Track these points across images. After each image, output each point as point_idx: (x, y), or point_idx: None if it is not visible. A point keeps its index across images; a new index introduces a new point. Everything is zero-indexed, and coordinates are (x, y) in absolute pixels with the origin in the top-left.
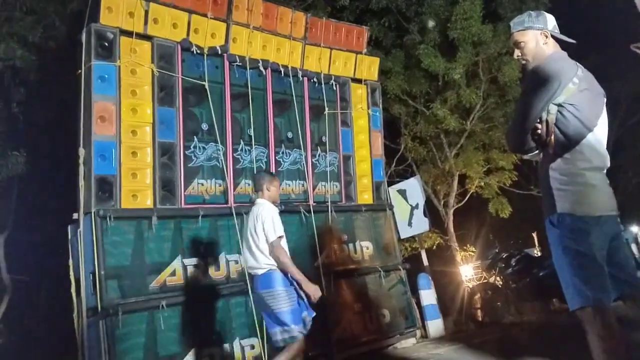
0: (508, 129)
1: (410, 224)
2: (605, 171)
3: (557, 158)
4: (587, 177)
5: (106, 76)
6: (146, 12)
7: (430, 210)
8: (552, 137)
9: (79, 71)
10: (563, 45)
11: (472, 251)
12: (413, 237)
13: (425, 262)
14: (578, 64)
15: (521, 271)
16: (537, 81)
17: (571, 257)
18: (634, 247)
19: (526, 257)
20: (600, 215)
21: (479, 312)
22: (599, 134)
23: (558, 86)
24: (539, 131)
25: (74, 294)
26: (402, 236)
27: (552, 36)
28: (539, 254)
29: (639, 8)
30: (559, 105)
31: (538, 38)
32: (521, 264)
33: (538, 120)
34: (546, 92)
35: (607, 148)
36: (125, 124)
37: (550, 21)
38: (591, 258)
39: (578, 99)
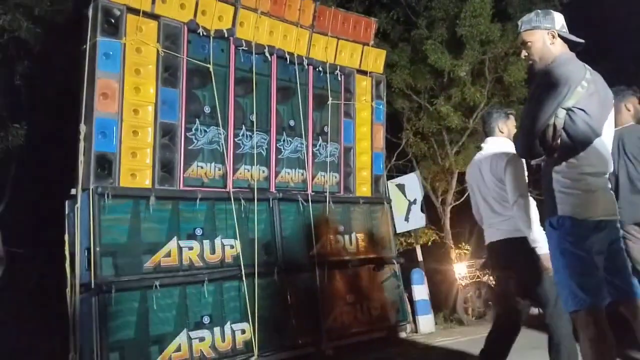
0: (516, 133)
1: (407, 218)
2: (607, 176)
3: (561, 161)
4: (590, 181)
5: (111, 53)
6: None
7: (428, 206)
8: (559, 141)
9: (84, 46)
10: (571, 46)
11: (467, 249)
12: (409, 232)
13: (420, 257)
14: (586, 65)
15: None
16: (546, 85)
17: (569, 259)
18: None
19: None
20: (600, 219)
21: (470, 310)
22: (605, 139)
23: (568, 90)
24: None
25: (68, 269)
26: (398, 230)
27: (560, 36)
28: None
29: None
30: (568, 109)
31: (545, 38)
32: None
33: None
34: (556, 96)
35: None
36: (127, 102)
37: (558, 20)
38: (588, 262)
39: (587, 103)
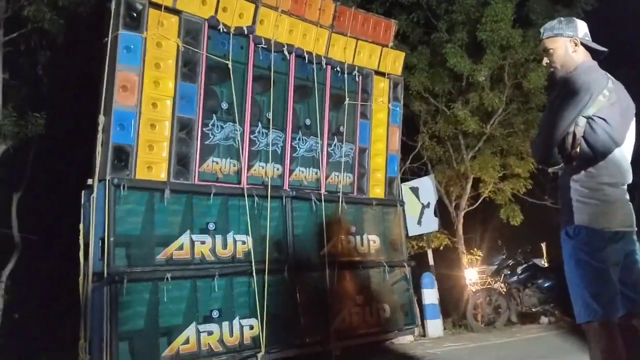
0: (535, 139)
1: (419, 222)
2: (626, 187)
3: (580, 170)
4: (608, 192)
5: (132, 47)
6: None
7: (441, 210)
8: (578, 149)
9: (106, 39)
10: (594, 54)
11: (479, 255)
12: (421, 235)
13: (431, 261)
14: (608, 74)
15: (526, 280)
16: (568, 92)
17: (584, 270)
18: None
19: (533, 266)
20: (617, 230)
21: (479, 317)
22: (625, 149)
23: (589, 98)
24: (566, 143)
25: (81, 258)
26: (411, 234)
27: (583, 44)
28: (546, 264)
29: None
30: (589, 117)
31: (567, 45)
32: (527, 272)
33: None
34: (577, 104)
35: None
36: (146, 96)
37: (582, 28)
38: (604, 273)
39: (609, 113)
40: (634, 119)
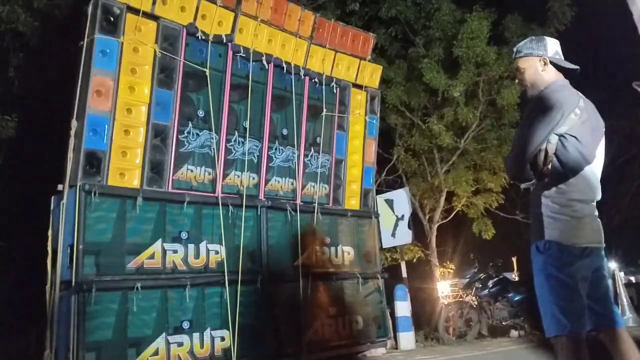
0: (508, 155)
1: (393, 234)
2: (595, 203)
3: (551, 187)
4: (578, 208)
5: (108, 51)
6: None
7: (415, 223)
8: (550, 166)
9: (81, 43)
10: (566, 72)
11: (451, 268)
12: (395, 247)
13: (404, 273)
14: (579, 93)
15: (497, 293)
16: (540, 110)
17: (553, 284)
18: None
19: (504, 280)
20: (586, 246)
21: (451, 329)
22: (595, 166)
23: (561, 116)
24: (538, 160)
25: (49, 266)
26: (385, 245)
27: (554, 63)
28: (517, 278)
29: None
30: (561, 135)
31: (537, 64)
32: (498, 286)
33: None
34: (549, 121)
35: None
36: (121, 101)
37: (552, 47)
38: (572, 288)
39: (580, 131)
40: (604, 137)
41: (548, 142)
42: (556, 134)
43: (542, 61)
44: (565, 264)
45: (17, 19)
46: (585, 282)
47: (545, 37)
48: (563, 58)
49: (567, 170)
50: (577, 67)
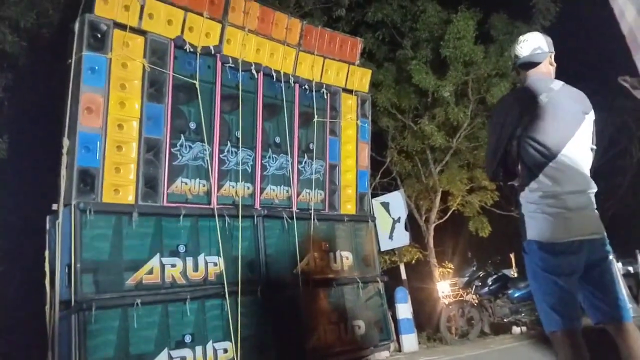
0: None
1: (391, 236)
2: (588, 192)
3: (524, 187)
4: (554, 203)
5: (96, 68)
6: (142, 7)
7: (412, 224)
8: (519, 167)
9: (70, 61)
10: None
11: (450, 268)
12: (393, 250)
13: (404, 275)
14: (552, 85)
15: (497, 291)
16: (494, 114)
17: (540, 282)
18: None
19: (503, 277)
20: (572, 240)
21: (453, 329)
22: (572, 158)
23: (515, 118)
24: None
25: (47, 286)
26: (383, 248)
27: (522, 64)
28: (516, 275)
29: (623, 31)
30: (518, 137)
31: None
32: (497, 283)
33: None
34: (503, 125)
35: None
36: (112, 117)
37: (512, 51)
38: (558, 285)
39: (536, 130)
40: (586, 122)
41: (511, 144)
42: (516, 136)
43: (516, 68)
44: (548, 261)
45: (4, 40)
46: (572, 276)
47: (518, 39)
48: (528, 50)
49: (532, 168)
50: (530, 56)
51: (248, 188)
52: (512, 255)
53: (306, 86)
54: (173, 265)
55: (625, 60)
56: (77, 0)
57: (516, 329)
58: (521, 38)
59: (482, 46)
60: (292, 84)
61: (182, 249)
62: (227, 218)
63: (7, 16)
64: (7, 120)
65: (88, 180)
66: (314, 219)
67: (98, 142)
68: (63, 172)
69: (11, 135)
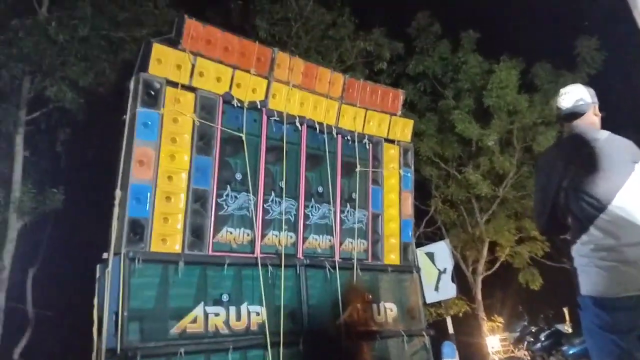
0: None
1: (437, 288)
2: (637, 245)
3: (576, 240)
4: (609, 256)
5: (149, 123)
6: (193, 66)
7: (458, 276)
8: (569, 220)
9: (124, 117)
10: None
11: (500, 322)
12: (439, 302)
13: (451, 329)
14: (597, 135)
15: (551, 347)
16: (537, 170)
17: (596, 341)
18: None
19: (556, 332)
20: (629, 295)
21: None
22: (623, 209)
23: (561, 170)
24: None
25: (95, 334)
26: (428, 301)
27: (564, 116)
28: (570, 330)
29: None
30: (565, 189)
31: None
32: (551, 339)
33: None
34: (543, 181)
35: None
36: (162, 169)
37: (560, 100)
38: (615, 343)
39: (583, 182)
40: (638, 174)
41: (559, 197)
42: (563, 188)
43: (559, 121)
44: (603, 319)
45: (64, 97)
46: (631, 333)
47: (559, 91)
48: (571, 102)
49: (581, 221)
50: (573, 108)
51: (291, 237)
52: (565, 310)
53: (348, 137)
54: (216, 315)
55: None
56: (133, 61)
57: None
58: (562, 90)
59: (527, 95)
60: (335, 135)
61: (225, 297)
62: (270, 267)
63: (67, 76)
64: (63, 173)
65: (138, 230)
66: (356, 269)
67: (148, 194)
68: (114, 222)
69: (67, 187)
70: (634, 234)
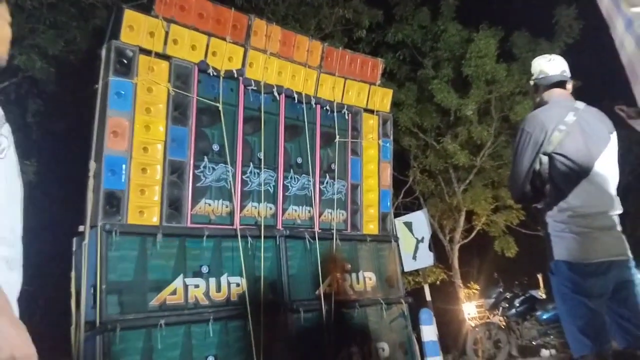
0: (508, 180)
1: (414, 257)
2: (612, 214)
3: (552, 206)
4: (583, 223)
5: (122, 92)
6: (166, 33)
7: (436, 244)
8: (548, 186)
9: (96, 86)
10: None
11: (476, 289)
12: (417, 270)
13: (428, 297)
14: (576, 105)
15: (525, 312)
16: (520, 135)
17: (569, 305)
18: None
19: (530, 298)
20: (602, 261)
21: (480, 352)
22: (600, 177)
23: (544, 137)
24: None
25: (73, 307)
26: (406, 269)
27: (552, 82)
28: (544, 296)
29: (623, 61)
30: (549, 154)
31: (531, 87)
32: (525, 305)
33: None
34: (532, 144)
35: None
36: (137, 140)
37: (535, 67)
38: (588, 307)
39: (568, 147)
40: (610, 144)
41: (540, 163)
42: (545, 154)
43: (533, 86)
44: (577, 283)
45: (34, 66)
46: (602, 298)
47: (536, 58)
48: (558, 70)
49: (562, 188)
50: (560, 74)
51: (270, 209)
52: (539, 276)
53: (327, 107)
54: (196, 286)
55: None
56: (104, 28)
57: (545, 352)
58: (548, 56)
59: (505, 64)
60: (314, 105)
61: (205, 269)
62: (249, 238)
63: (36, 44)
64: (35, 144)
65: (114, 202)
66: (336, 239)
67: (123, 165)
68: (90, 194)
69: (39, 159)
70: (604, 203)
